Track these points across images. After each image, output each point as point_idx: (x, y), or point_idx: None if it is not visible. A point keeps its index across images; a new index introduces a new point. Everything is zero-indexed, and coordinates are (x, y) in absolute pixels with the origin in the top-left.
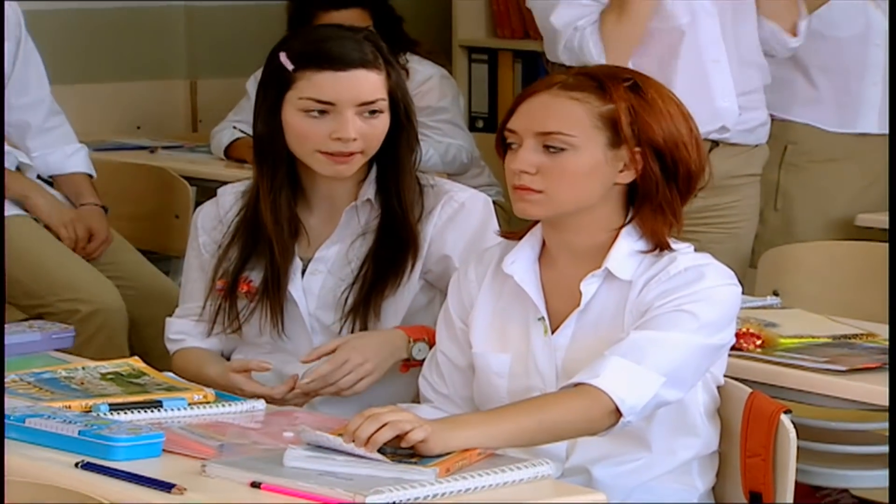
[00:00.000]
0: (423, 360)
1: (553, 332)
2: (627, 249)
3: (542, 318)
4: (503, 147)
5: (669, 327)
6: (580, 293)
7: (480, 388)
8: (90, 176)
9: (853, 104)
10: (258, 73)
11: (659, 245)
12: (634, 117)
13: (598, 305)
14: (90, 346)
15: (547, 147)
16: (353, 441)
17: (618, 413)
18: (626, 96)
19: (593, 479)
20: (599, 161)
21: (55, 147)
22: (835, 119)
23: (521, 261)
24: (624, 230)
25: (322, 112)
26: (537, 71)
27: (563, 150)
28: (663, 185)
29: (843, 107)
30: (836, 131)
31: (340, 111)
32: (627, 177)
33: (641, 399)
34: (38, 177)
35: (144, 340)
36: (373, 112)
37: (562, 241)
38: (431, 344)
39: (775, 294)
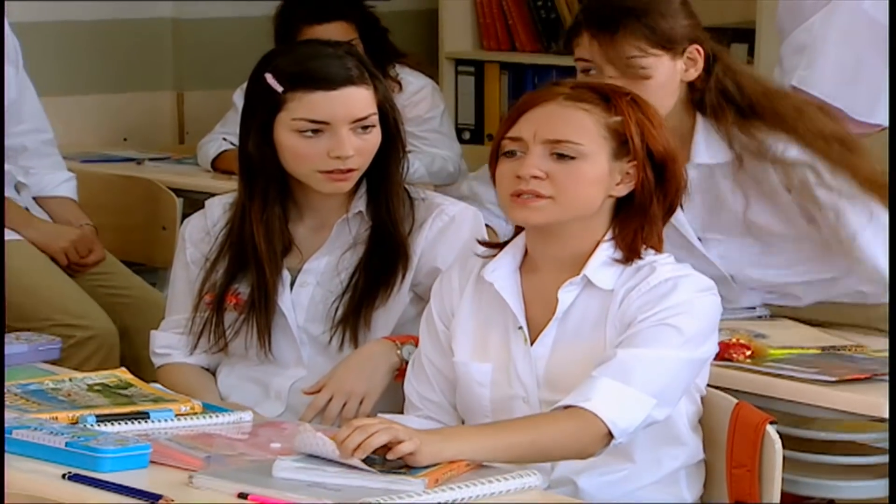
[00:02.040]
0: None
1: (533, 341)
2: (605, 258)
3: (521, 327)
4: (496, 156)
5: (654, 344)
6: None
7: (462, 397)
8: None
9: (885, 96)
10: (245, 86)
11: (632, 256)
12: (640, 130)
13: (578, 314)
14: (82, 370)
15: (555, 154)
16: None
17: (609, 436)
18: (630, 109)
19: (579, 489)
20: (605, 171)
21: (49, 171)
22: (864, 108)
23: (502, 269)
24: (604, 241)
25: (316, 132)
26: (524, 82)
27: (573, 157)
28: (656, 199)
29: (876, 99)
30: (861, 120)
31: (335, 130)
32: (623, 189)
33: (633, 422)
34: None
35: (136, 348)
36: (365, 127)
37: (546, 251)
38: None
39: None
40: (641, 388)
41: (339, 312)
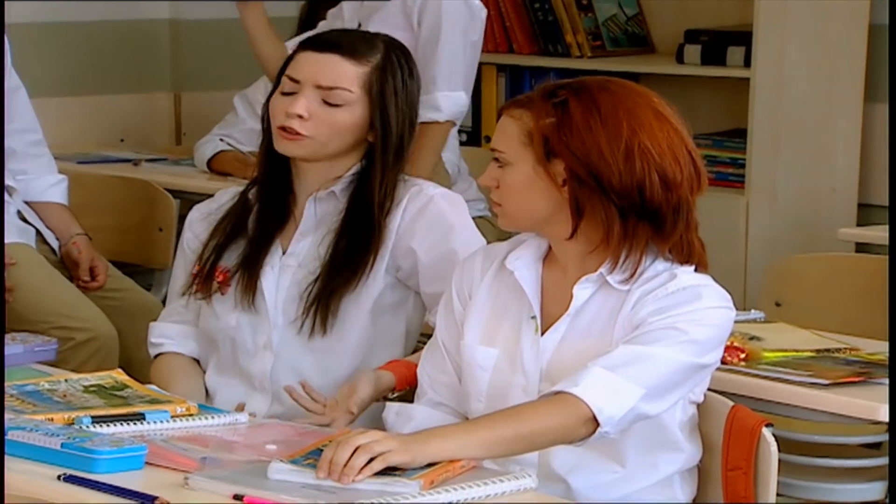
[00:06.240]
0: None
1: (544, 333)
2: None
3: (535, 317)
4: None
5: (657, 343)
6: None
7: (464, 381)
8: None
9: None
10: (246, 91)
11: (615, 261)
12: (551, 135)
13: (592, 312)
14: (81, 372)
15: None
16: (330, 473)
17: (595, 422)
18: (548, 113)
19: (571, 489)
20: (530, 176)
21: (38, 174)
22: None
23: (524, 258)
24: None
25: (293, 92)
26: (521, 84)
27: (502, 165)
28: (592, 200)
29: None
30: None
31: (300, 89)
32: (567, 191)
33: (619, 410)
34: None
35: (128, 351)
36: (334, 103)
37: (555, 248)
38: (413, 384)
39: (777, 305)
40: (632, 378)
41: (311, 296)
